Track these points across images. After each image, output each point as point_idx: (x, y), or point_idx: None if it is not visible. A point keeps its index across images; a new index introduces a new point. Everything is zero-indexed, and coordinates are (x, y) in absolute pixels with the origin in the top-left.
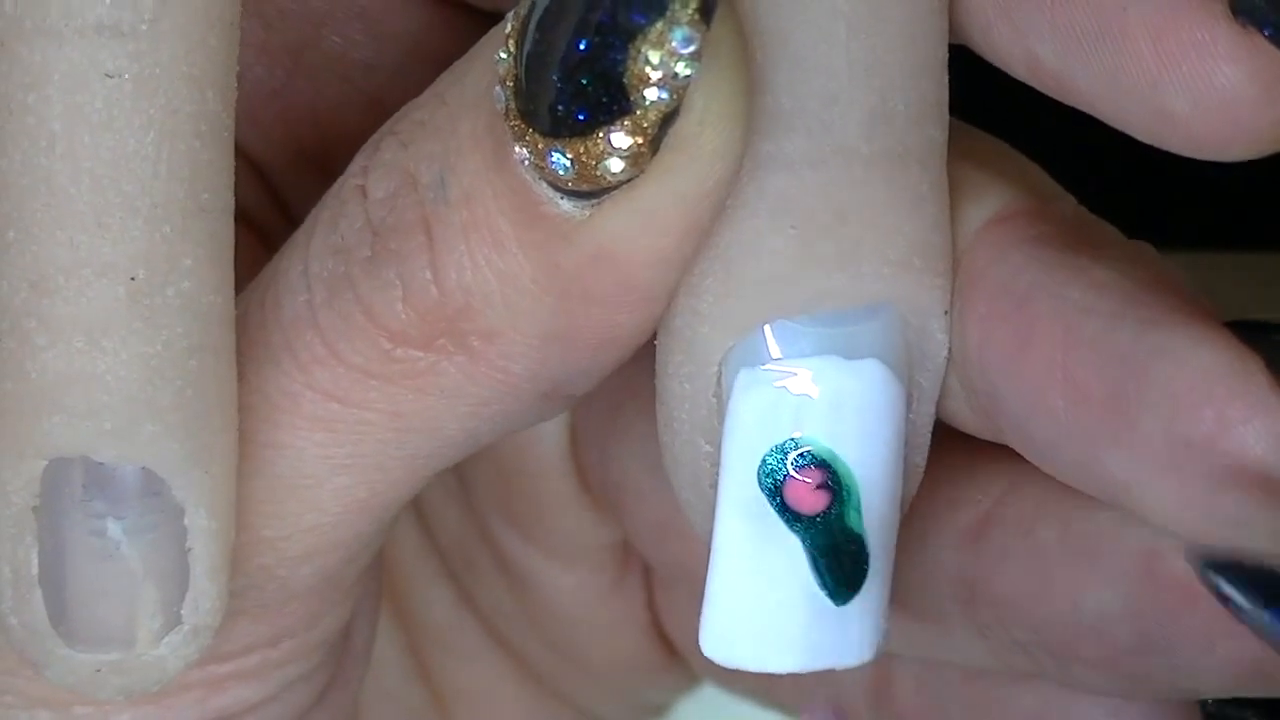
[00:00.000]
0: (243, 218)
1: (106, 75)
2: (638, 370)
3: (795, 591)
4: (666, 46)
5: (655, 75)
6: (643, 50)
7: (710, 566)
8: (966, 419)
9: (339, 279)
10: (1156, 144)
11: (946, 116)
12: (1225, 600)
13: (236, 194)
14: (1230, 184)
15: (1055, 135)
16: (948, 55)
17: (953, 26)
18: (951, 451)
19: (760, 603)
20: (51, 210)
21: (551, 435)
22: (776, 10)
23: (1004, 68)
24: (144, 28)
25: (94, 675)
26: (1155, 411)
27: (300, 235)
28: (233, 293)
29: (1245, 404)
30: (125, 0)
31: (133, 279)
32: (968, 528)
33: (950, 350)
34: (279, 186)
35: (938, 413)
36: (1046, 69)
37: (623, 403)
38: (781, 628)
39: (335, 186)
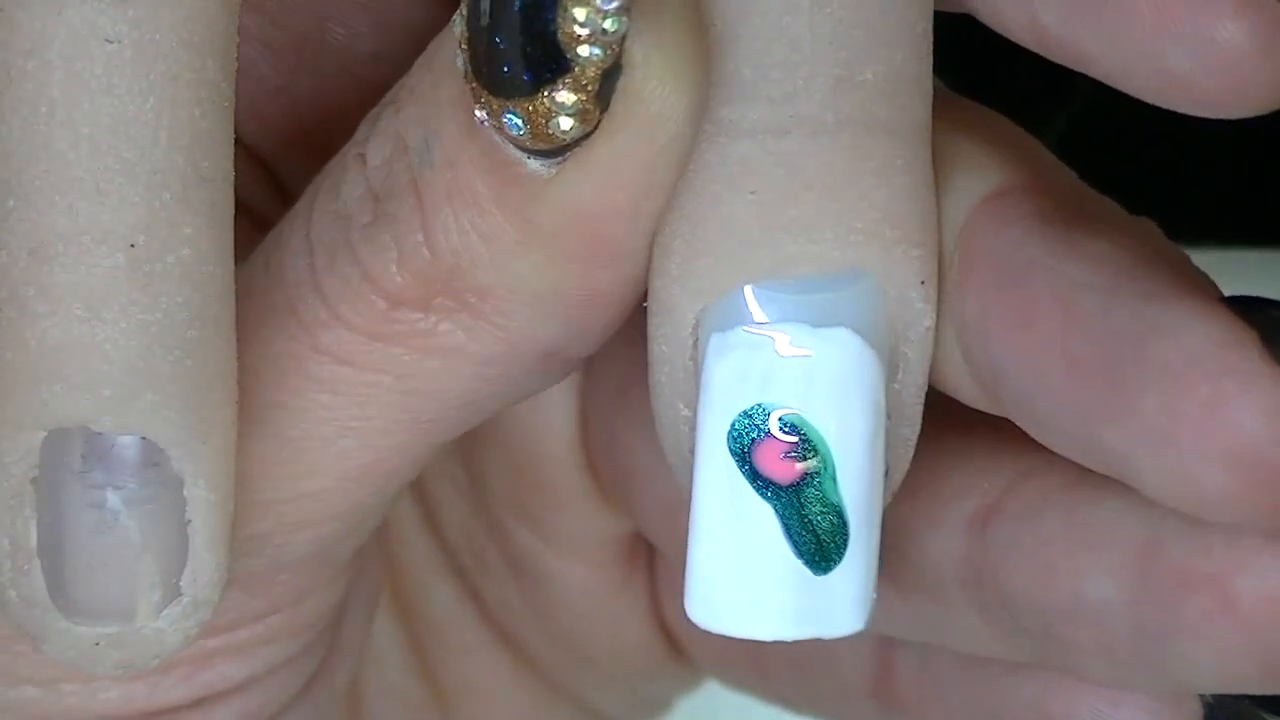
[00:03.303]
0: (248, 212)
1: (106, 41)
2: (645, 351)
3: (775, 559)
4: (592, 4)
5: (583, 32)
6: (569, 9)
7: (691, 531)
8: (970, 393)
9: (339, 243)
10: (1162, 104)
11: (929, 89)
12: None
13: (242, 189)
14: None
15: (1055, 136)
16: (931, 27)
17: None
18: (960, 439)
19: (742, 569)
20: (50, 177)
21: (561, 426)
22: None
23: (1009, 34)
24: None
25: (93, 649)
26: (1151, 387)
27: (303, 202)
28: (232, 266)
29: (1239, 379)
30: None
31: (132, 246)
32: (975, 514)
33: (938, 321)
34: (284, 181)
35: (945, 392)
36: (1051, 34)
37: (631, 383)
38: (764, 595)
39: (339, 155)
